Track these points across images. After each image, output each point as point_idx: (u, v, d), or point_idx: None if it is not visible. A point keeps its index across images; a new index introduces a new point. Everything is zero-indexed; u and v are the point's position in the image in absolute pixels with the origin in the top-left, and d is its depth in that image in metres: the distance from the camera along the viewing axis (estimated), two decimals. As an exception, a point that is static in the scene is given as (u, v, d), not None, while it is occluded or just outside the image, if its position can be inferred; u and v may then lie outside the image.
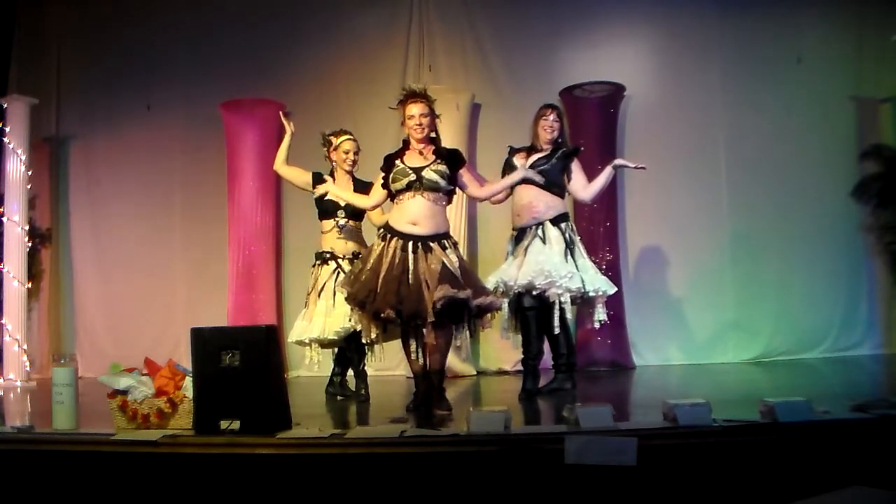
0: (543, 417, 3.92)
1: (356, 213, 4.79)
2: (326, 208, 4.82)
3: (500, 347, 6.44)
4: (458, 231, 6.37)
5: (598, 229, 6.50)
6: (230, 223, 7.01)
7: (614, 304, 6.22)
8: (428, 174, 3.89)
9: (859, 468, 2.69)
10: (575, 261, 4.53)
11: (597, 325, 4.78)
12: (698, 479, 2.74)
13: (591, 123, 6.64)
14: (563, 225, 4.60)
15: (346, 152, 4.86)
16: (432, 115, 4.00)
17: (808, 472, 2.72)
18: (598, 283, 4.56)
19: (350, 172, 4.88)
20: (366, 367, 4.83)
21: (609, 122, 6.72)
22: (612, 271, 6.10)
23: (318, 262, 4.84)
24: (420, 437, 2.99)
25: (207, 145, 7.26)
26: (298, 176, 4.95)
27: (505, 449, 2.83)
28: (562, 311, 4.46)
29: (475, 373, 6.54)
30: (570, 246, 4.55)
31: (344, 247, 4.79)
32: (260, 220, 6.93)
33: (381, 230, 4.04)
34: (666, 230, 6.77)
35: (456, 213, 6.42)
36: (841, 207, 6.36)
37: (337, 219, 4.79)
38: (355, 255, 4.70)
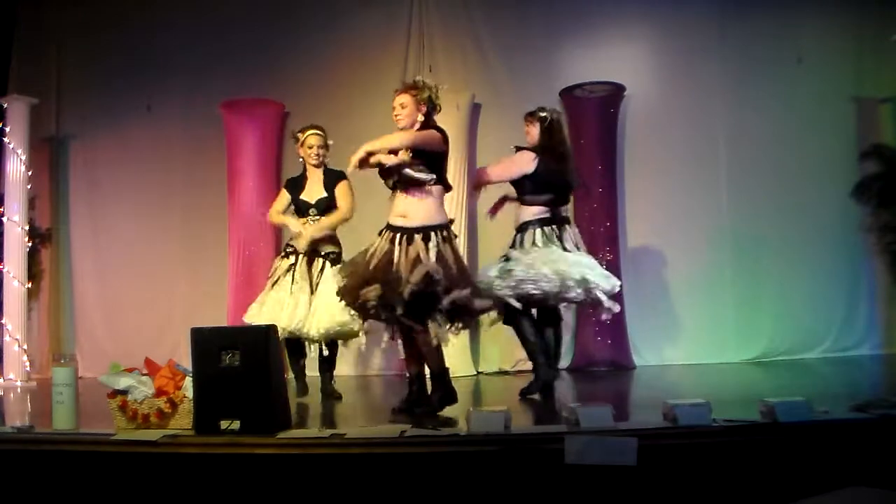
0: (543, 417, 3.92)
1: (321, 208, 4.89)
2: (300, 207, 4.94)
3: (500, 347, 6.44)
4: (458, 228, 6.37)
5: (598, 229, 6.50)
6: (230, 223, 7.00)
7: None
8: (406, 172, 3.88)
9: (859, 468, 2.70)
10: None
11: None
12: (698, 479, 2.74)
13: (591, 123, 6.65)
14: (517, 237, 4.72)
15: (311, 147, 4.95)
16: (415, 105, 3.95)
17: (808, 472, 2.72)
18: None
19: (318, 166, 4.97)
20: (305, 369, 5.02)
21: (609, 122, 6.72)
22: (612, 271, 6.06)
23: (281, 255, 5.01)
24: (420, 437, 2.99)
25: (207, 145, 7.25)
26: (282, 202, 5.05)
27: (505, 449, 2.83)
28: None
29: (475, 373, 6.54)
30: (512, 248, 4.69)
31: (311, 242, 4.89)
32: (260, 220, 6.92)
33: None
34: (666, 230, 6.77)
35: (456, 210, 6.42)
36: (841, 207, 6.35)
37: (309, 216, 4.92)
38: (316, 252, 4.84)
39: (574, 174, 4.82)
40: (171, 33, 7.48)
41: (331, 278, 4.71)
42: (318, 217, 4.88)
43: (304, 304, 4.75)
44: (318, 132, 4.99)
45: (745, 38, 6.82)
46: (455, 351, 6.28)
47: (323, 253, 4.89)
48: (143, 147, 7.55)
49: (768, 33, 6.83)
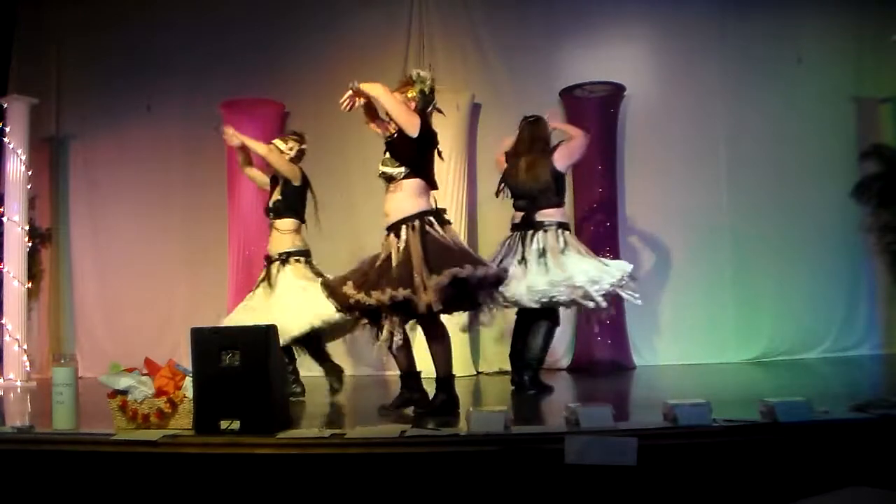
0: (543, 417, 3.92)
1: (277, 211, 5.00)
2: (265, 213, 5.13)
3: (500, 347, 6.44)
4: (458, 229, 6.36)
5: (598, 229, 6.50)
6: (230, 223, 7.01)
7: (614, 304, 6.23)
8: (381, 169, 3.92)
9: (859, 468, 2.69)
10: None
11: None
12: (698, 479, 2.74)
13: (591, 123, 6.61)
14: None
15: None
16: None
17: (808, 472, 2.72)
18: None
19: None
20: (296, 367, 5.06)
21: (609, 122, 6.72)
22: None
23: None
24: (420, 437, 2.99)
25: (207, 145, 7.24)
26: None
27: (505, 449, 2.83)
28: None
29: (475, 373, 6.54)
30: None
31: (271, 247, 5.04)
32: (260, 220, 6.90)
33: None
34: (666, 230, 6.77)
35: (455, 209, 6.42)
36: (841, 207, 6.36)
37: (269, 219, 5.07)
38: (279, 256, 4.95)
39: (536, 180, 4.84)
40: (171, 33, 7.48)
41: (282, 280, 4.87)
42: (272, 219, 5.02)
43: (264, 310, 4.80)
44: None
45: (745, 38, 6.82)
46: (455, 351, 6.30)
47: (275, 255, 4.98)
48: (143, 147, 7.55)
49: (768, 33, 6.83)
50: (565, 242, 4.82)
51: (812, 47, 6.84)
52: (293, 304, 4.72)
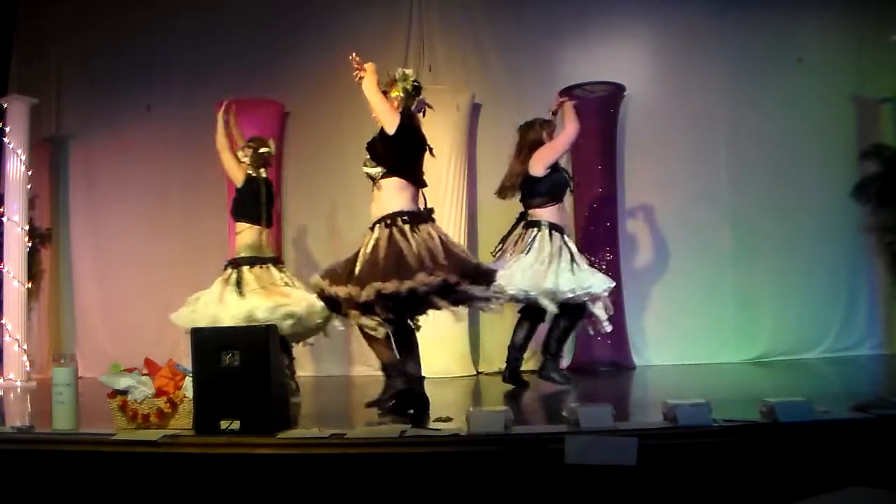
0: (543, 417, 3.92)
1: (231, 212, 5.07)
2: None
3: (500, 347, 6.44)
4: (458, 228, 6.37)
5: (598, 229, 6.50)
6: (230, 223, 6.99)
7: (614, 304, 6.23)
8: (363, 170, 3.98)
9: (859, 468, 2.69)
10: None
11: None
12: (698, 479, 2.74)
13: (591, 123, 6.60)
14: None
15: None
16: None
17: (808, 472, 2.72)
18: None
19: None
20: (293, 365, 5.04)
21: (609, 122, 6.72)
22: (612, 271, 6.09)
23: None
24: (420, 437, 2.99)
25: (207, 145, 7.21)
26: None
27: (505, 449, 2.83)
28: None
29: (475, 373, 6.54)
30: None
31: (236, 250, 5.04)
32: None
33: None
34: (666, 230, 6.77)
35: (455, 211, 6.41)
36: (841, 207, 6.36)
37: None
38: (238, 260, 4.91)
39: (510, 184, 5.00)
40: (171, 33, 7.48)
41: (212, 285, 4.92)
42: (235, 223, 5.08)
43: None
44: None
45: (745, 38, 6.81)
46: (455, 351, 6.32)
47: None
48: (142, 147, 7.56)
49: (768, 33, 6.82)
50: (528, 247, 4.85)
51: (812, 47, 6.84)
52: (197, 307, 4.76)
